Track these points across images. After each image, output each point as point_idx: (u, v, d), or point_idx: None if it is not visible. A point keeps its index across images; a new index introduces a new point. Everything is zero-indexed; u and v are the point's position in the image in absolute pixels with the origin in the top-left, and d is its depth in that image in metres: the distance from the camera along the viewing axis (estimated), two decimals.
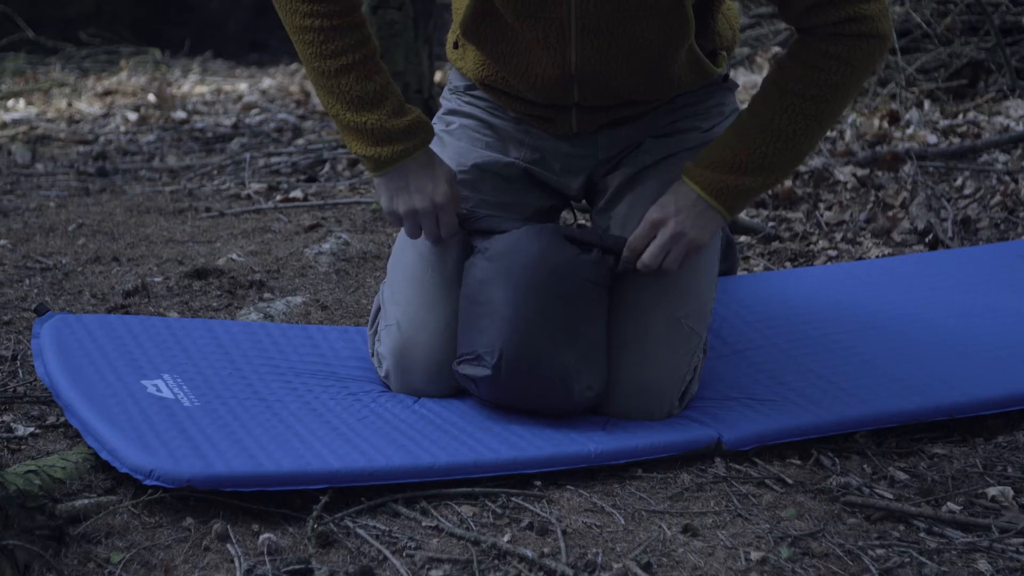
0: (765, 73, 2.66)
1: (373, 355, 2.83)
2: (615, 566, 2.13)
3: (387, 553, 2.15)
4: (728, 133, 2.60)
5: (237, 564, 2.10)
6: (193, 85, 8.01)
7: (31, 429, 2.56)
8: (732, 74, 5.72)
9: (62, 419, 2.60)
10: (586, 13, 2.51)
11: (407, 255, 2.78)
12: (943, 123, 5.22)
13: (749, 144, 2.56)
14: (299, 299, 3.36)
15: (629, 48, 2.56)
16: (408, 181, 2.66)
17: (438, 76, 6.25)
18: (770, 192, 4.45)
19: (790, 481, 2.49)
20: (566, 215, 3.02)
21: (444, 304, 2.72)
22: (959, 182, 4.44)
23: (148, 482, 2.25)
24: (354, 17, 2.63)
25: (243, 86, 7.94)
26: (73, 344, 2.75)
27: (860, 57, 2.53)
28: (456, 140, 2.83)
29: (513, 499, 2.36)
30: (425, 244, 2.75)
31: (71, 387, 2.56)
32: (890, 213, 4.21)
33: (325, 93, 2.64)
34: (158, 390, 2.61)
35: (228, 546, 2.15)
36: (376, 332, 2.82)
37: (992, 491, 2.46)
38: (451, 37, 2.81)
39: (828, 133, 5.14)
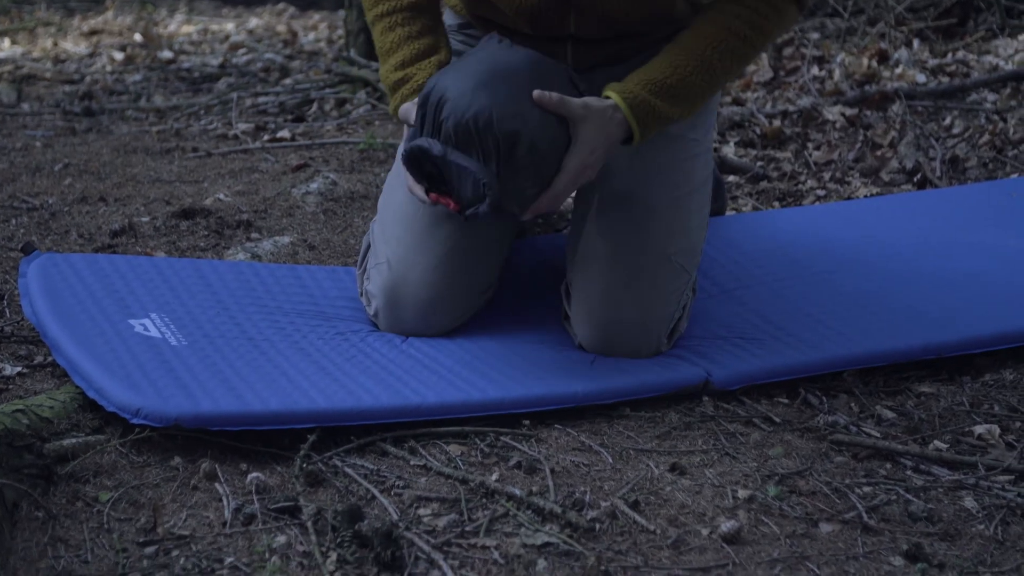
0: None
1: (362, 294, 2.83)
2: (603, 504, 2.13)
3: (375, 491, 2.16)
4: (661, 59, 2.56)
5: (225, 503, 2.10)
6: (180, 25, 7.96)
7: (18, 369, 2.56)
8: None
9: (50, 359, 2.60)
10: None
11: (397, 193, 2.76)
12: (932, 62, 5.21)
13: (681, 72, 2.53)
14: (286, 239, 3.35)
15: None
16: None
17: None
18: (758, 132, 4.45)
19: (777, 420, 2.49)
20: None
21: (435, 242, 2.71)
22: (947, 121, 4.44)
23: (135, 420, 2.25)
24: None
25: (230, 26, 7.89)
26: (60, 283, 2.74)
27: (787, 17, 2.57)
28: None
29: (502, 438, 2.36)
30: None
31: (58, 326, 2.56)
32: (878, 152, 4.20)
33: None
34: (145, 329, 2.60)
35: (216, 485, 2.16)
36: (365, 271, 2.82)
37: (979, 429, 2.47)
38: None
39: (818, 72, 5.12)
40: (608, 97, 2.51)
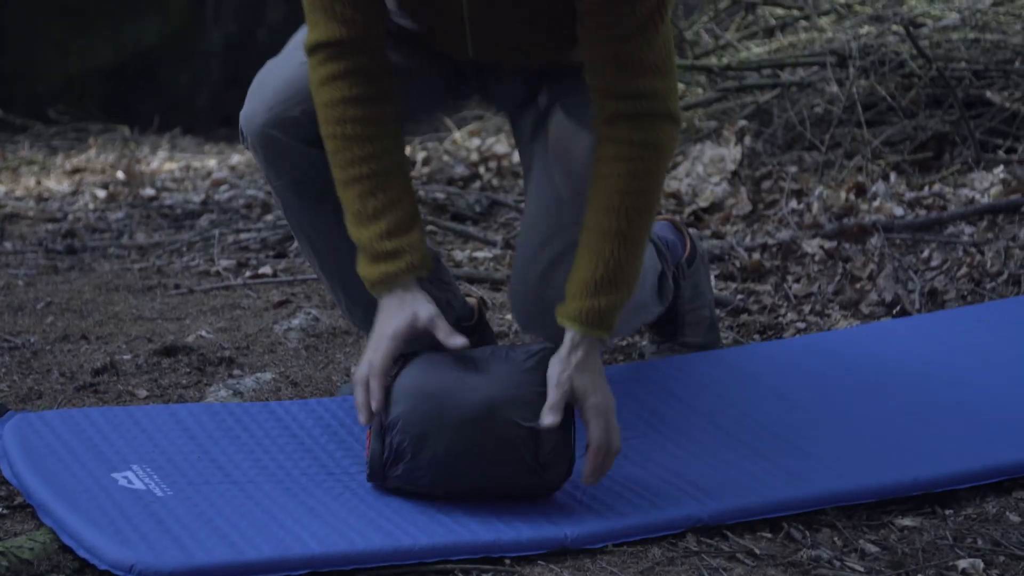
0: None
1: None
2: None
3: None
4: (582, 253, 2.53)
5: None
6: (162, 162, 8.00)
7: None
8: (700, 148, 5.76)
9: None
10: None
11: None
12: (909, 195, 5.25)
13: (604, 259, 2.51)
14: (268, 375, 3.35)
15: None
16: (377, 322, 2.61)
17: None
18: (738, 265, 4.47)
19: (760, 554, 2.48)
20: None
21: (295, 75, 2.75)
22: (926, 254, 4.47)
23: None
24: (380, 128, 2.59)
25: (212, 162, 7.94)
26: (38, 443, 2.70)
27: (662, 139, 2.53)
28: None
29: (485, 575, 2.35)
30: None
31: (42, 487, 2.52)
32: (858, 285, 4.22)
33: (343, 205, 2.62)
34: (129, 482, 2.58)
35: None
36: None
37: (962, 564, 2.46)
38: None
39: (796, 205, 5.16)
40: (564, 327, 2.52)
